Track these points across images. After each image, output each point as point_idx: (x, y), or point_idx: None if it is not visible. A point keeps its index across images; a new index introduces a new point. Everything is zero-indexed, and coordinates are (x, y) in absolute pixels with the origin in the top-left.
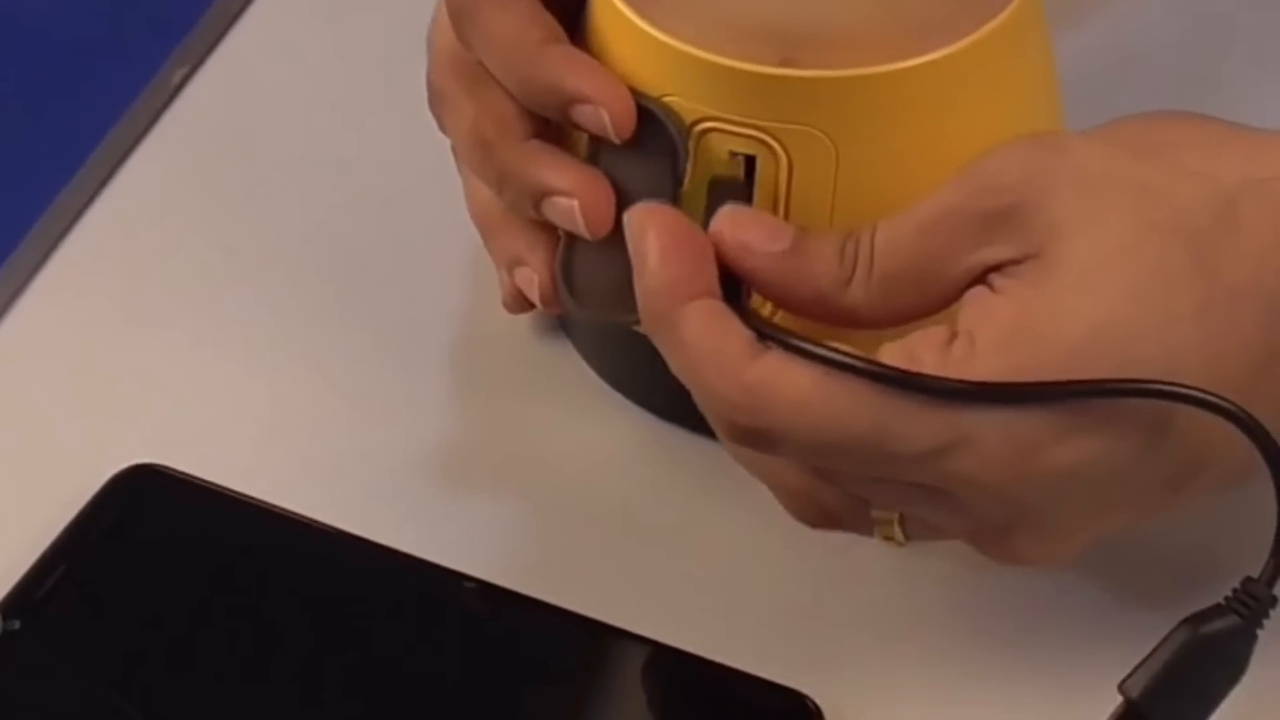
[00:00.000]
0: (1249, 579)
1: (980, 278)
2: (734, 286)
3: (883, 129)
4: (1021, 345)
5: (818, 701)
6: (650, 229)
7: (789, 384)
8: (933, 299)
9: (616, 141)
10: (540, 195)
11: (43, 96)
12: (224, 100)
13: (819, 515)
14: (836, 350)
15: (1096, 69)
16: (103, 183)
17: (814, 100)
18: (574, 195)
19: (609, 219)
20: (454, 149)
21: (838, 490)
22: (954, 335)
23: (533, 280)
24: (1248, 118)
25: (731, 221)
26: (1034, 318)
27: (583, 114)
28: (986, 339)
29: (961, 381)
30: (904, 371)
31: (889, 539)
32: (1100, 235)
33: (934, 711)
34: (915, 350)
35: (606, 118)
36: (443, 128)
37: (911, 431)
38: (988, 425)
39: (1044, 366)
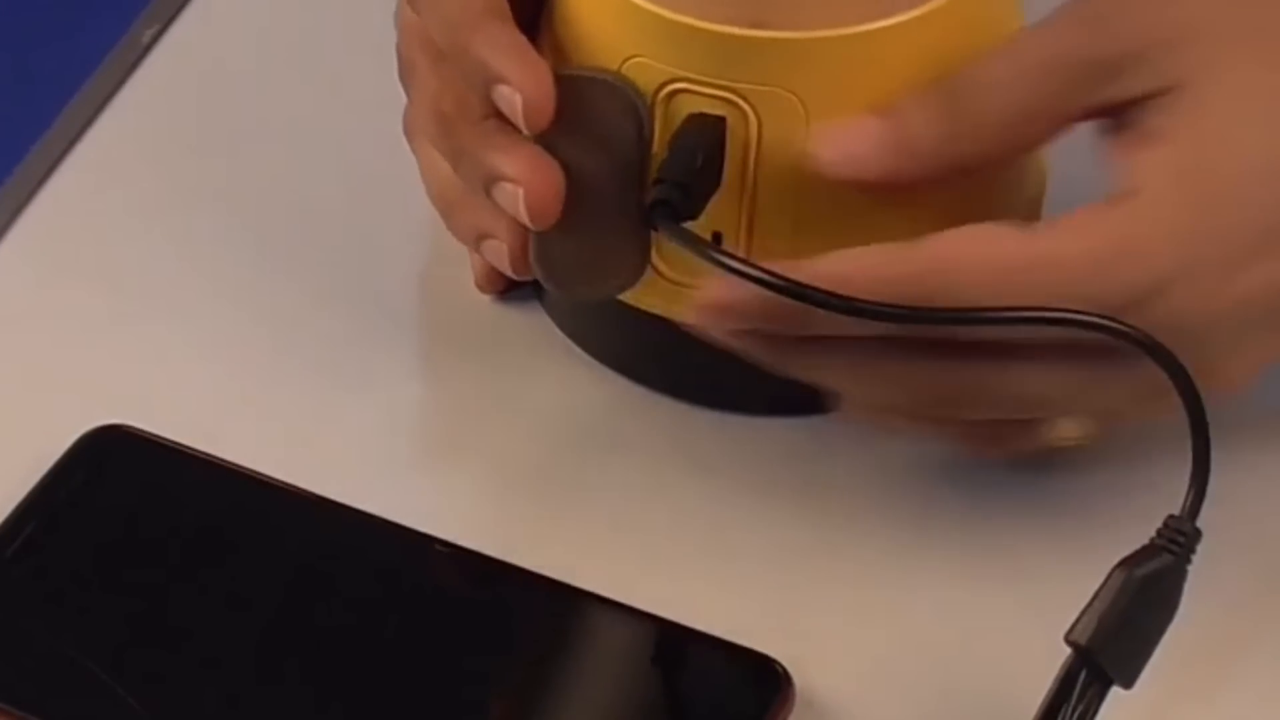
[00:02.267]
0: (1172, 516)
1: (1106, 111)
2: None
3: (852, 90)
4: (1191, 182)
5: (786, 665)
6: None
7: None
8: (1047, 132)
9: (524, 132)
10: (490, 180)
11: (10, 56)
12: (193, 59)
13: (987, 439)
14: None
15: None
16: (71, 143)
17: (784, 61)
18: (520, 183)
19: (554, 210)
20: (405, 124)
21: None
22: (1118, 196)
23: (502, 251)
24: None
25: (828, 142)
26: (1198, 153)
27: (499, 96)
28: (1154, 187)
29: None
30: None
31: (1066, 439)
32: (1237, 75)
33: (899, 675)
34: (1083, 221)
35: (519, 104)
36: (410, 100)
37: (1115, 278)
38: (1180, 270)
39: (1217, 199)
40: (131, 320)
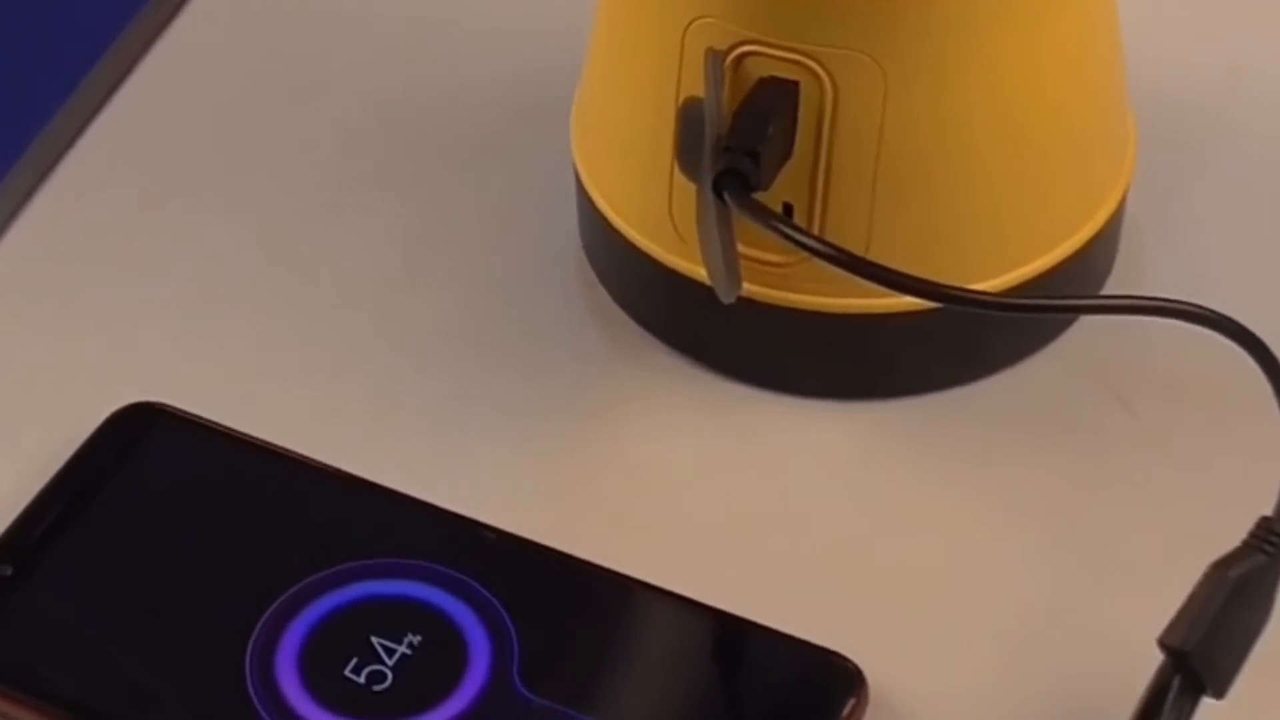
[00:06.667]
0: (1265, 518)
1: None
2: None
3: (933, 53)
4: None
5: (859, 664)
6: None
7: None
8: None
9: None
10: None
11: (37, 18)
12: (223, 22)
13: None
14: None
15: None
16: (98, 107)
17: (863, 23)
18: None
19: None
20: None
21: None
22: None
23: None
24: None
25: None
26: None
27: None
28: None
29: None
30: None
31: None
32: None
33: (979, 675)
34: None
35: None
36: None
37: None
38: None
39: None
40: (163, 293)
